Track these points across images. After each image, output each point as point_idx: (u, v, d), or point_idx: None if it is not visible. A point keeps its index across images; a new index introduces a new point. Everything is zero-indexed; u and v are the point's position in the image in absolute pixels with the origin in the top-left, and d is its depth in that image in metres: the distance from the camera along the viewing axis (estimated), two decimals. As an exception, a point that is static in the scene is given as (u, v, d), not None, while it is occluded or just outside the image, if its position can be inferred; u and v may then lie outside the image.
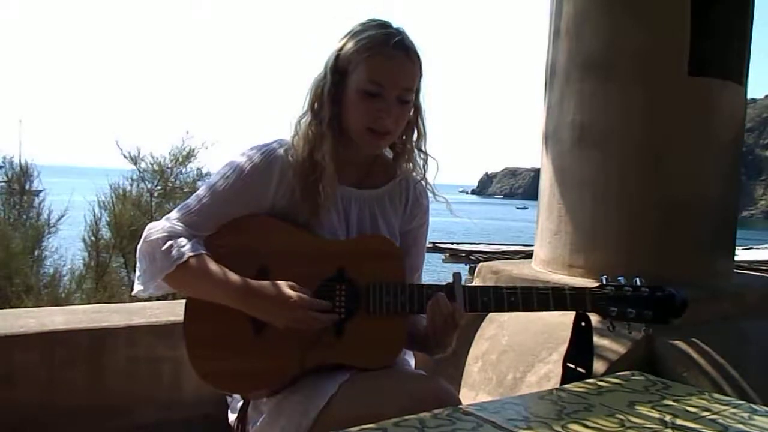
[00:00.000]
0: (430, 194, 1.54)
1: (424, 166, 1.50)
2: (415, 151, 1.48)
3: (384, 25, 1.37)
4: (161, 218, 1.39)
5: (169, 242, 1.31)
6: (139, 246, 1.36)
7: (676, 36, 2.44)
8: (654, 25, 2.46)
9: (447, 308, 1.32)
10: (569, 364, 1.42)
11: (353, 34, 1.36)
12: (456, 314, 1.32)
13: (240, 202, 1.37)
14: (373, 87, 1.33)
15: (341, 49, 1.36)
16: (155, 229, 1.34)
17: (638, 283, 1.35)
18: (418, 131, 1.46)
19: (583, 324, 1.40)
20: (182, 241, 1.32)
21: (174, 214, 1.38)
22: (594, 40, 2.53)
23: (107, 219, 6.63)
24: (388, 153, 1.51)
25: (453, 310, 1.32)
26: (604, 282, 1.37)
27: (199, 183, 7.42)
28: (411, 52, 1.36)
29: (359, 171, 1.47)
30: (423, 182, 1.52)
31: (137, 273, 1.38)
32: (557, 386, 1.23)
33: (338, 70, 1.36)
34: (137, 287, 1.37)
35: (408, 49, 1.36)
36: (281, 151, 1.39)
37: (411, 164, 1.50)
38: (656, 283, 1.36)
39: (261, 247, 1.38)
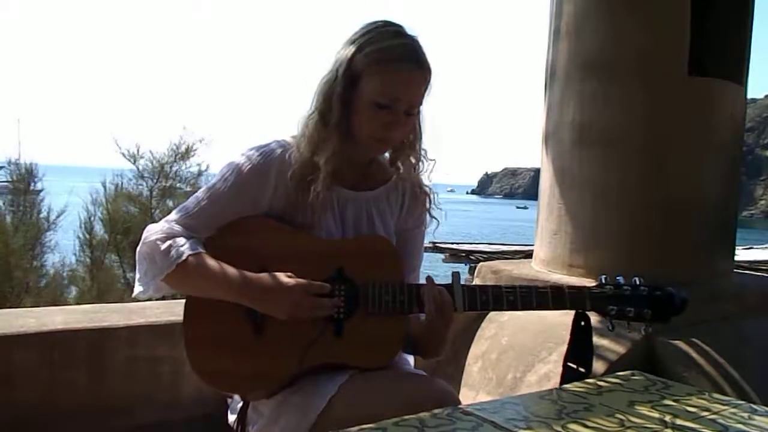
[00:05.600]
0: (429, 195, 1.53)
1: (417, 166, 1.50)
2: (411, 151, 1.48)
3: (400, 34, 1.36)
4: (161, 217, 1.40)
5: (168, 242, 1.31)
6: (138, 248, 1.37)
7: (676, 36, 2.44)
8: (654, 25, 2.46)
9: (437, 292, 1.33)
10: (569, 364, 1.42)
11: (368, 41, 1.35)
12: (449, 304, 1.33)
13: (238, 203, 1.37)
14: (384, 100, 1.34)
15: (355, 53, 1.35)
16: (153, 230, 1.35)
17: (637, 282, 1.36)
18: (414, 132, 1.47)
19: (582, 323, 1.40)
20: (180, 240, 1.32)
21: (172, 216, 1.38)
22: (594, 40, 2.53)
23: (101, 216, 6.65)
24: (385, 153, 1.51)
25: (443, 295, 1.33)
26: (603, 282, 1.37)
27: (200, 180, 7.43)
28: (425, 68, 1.36)
29: (357, 173, 1.47)
30: (422, 185, 1.52)
31: (137, 275, 1.38)
32: (557, 386, 1.23)
33: (351, 74, 1.35)
34: (137, 289, 1.38)
35: (422, 64, 1.36)
36: (280, 151, 1.39)
37: (408, 164, 1.49)
38: (655, 282, 1.36)
39: (260, 248, 1.38)
